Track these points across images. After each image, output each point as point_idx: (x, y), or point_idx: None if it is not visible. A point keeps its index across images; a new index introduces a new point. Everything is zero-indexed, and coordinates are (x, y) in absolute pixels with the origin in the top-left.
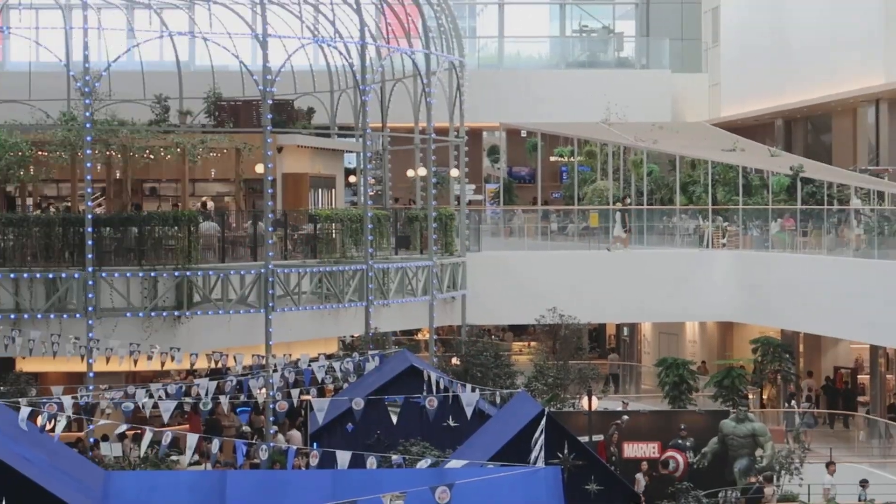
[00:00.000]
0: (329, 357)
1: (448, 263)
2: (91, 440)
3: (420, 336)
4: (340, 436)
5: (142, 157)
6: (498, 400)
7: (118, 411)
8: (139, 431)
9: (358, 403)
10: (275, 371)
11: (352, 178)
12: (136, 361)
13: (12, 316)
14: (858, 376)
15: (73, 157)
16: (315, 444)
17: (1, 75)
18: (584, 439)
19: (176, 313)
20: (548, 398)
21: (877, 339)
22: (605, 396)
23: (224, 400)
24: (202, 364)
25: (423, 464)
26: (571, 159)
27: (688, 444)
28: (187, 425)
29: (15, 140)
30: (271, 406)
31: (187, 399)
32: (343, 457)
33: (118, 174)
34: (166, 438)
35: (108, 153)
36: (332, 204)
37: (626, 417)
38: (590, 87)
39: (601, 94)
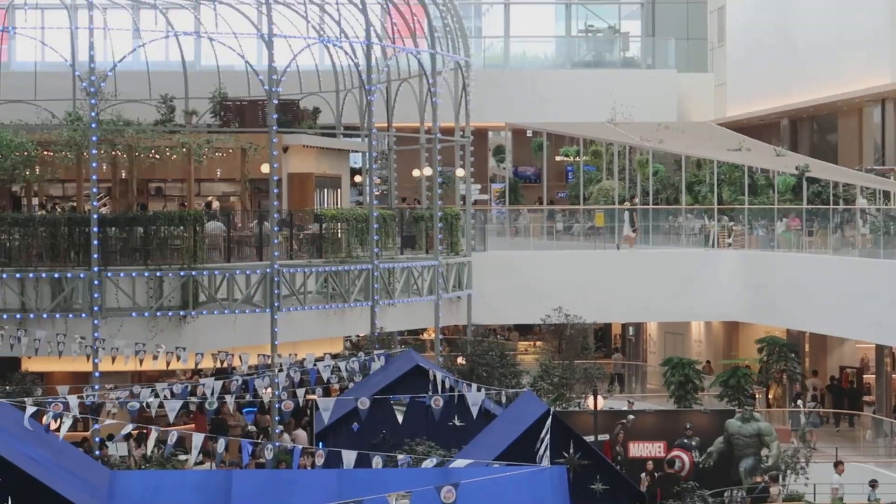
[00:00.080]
0: (335, 357)
1: (454, 263)
2: (97, 439)
3: (426, 336)
4: (346, 435)
5: (147, 157)
6: (503, 399)
7: (124, 411)
8: (144, 431)
9: (363, 403)
10: (280, 371)
11: (357, 178)
12: (141, 361)
13: (18, 316)
14: (864, 376)
15: (78, 157)
16: (321, 443)
17: (7, 75)
18: (589, 439)
19: (181, 313)
20: (553, 398)
21: (882, 338)
22: (610, 396)
23: (230, 399)
24: (208, 364)
25: (429, 463)
26: (577, 159)
27: (693, 443)
28: (193, 425)
29: (20, 140)
30: (277, 405)
31: (193, 399)
32: (349, 456)
33: (124, 174)
34: (172, 438)
35: (113, 153)
36: (337, 204)
37: (631, 417)
38: (595, 86)
39: (607, 93)
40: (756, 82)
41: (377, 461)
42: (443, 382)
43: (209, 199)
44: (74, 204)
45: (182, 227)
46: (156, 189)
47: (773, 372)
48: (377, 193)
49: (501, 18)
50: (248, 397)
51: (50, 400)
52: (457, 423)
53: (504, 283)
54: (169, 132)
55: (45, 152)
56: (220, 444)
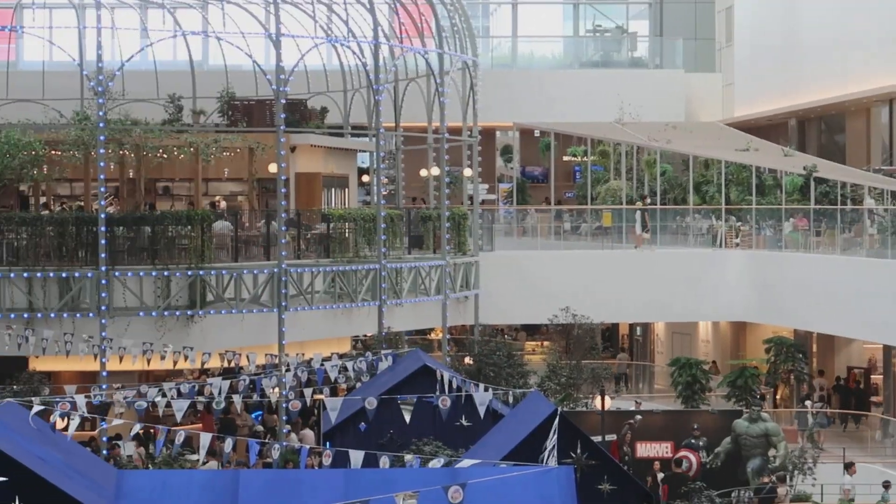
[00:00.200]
0: (342, 356)
1: (461, 263)
2: (104, 439)
3: (433, 335)
4: (353, 435)
5: (155, 157)
6: (511, 399)
7: (131, 410)
8: (151, 431)
9: (371, 403)
10: (288, 370)
11: (365, 178)
12: (149, 361)
13: (26, 315)
14: (872, 376)
15: (86, 156)
16: (328, 443)
17: (15, 75)
18: (596, 439)
19: (189, 312)
20: (561, 398)
21: (890, 338)
22: (617, 396)
23: (237, 399)
24: (215, 363)
25: (436, 463)
26: (585, 159)
27: (701, 443)
28: (200, 424)
29: (28, 139)
30: (284, 405)
31: (200, 398)
32: (356, 456)
33: (131, 173)
34: (179, 438)
35: (121, 152)
36: (345, 203)
37: (638, 417)
38: (603, 86)
39: (614, 93)
40: (764, 82)
41: (384, 461)
42: (450, 382)
43: (216, 198)
44: (82, 203)
45: (189, 227)
46: (163, 188)
47: (781, 372)
48: (385, 193)
49: (509, 18)
50: (255, 397)
51: (57, 399)
52: (464, 423)
53: (511, 282)
54: (177, 132)
55: (53, 152)
56: (228, 444)
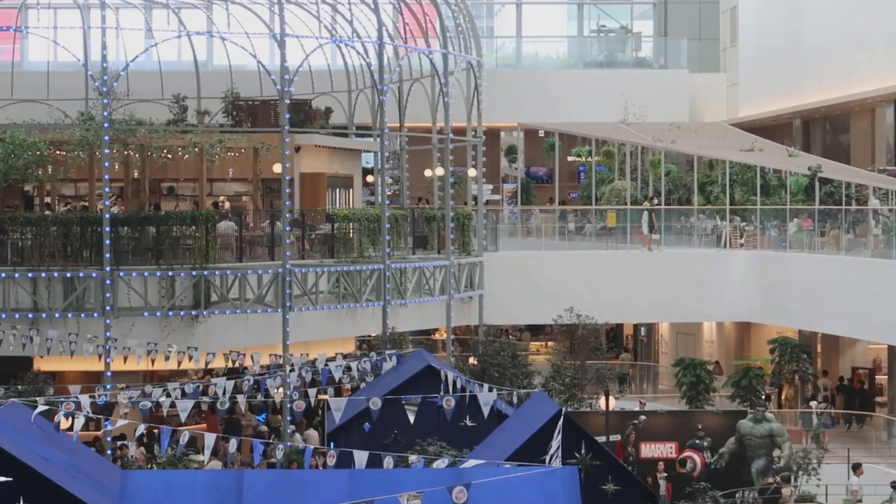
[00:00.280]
0: (346, 357)
1: (465, 263)
2: (108, 439)
3: (437, 336)
4: (357, 435)
5: (159, 157)
6: (515, 400)
7: (136, 410)
8: (154, 431)
9: (375, 403)
10: (292, 370)
11: (369, 178)
12: (153, 361)
13: (30, 315)
14: (876, 377)
15: (90, 156)
16: (332, 443)
17: (19, 75)
18: (601, 439)
19: (193, 313)
20: (565, 398)
21: (895, 339)
22: (622, 396)
23: (241, 399)
24: (219, 363)
25: (441, 463)
26: (589, 159)
27: (705, 444)
28: (204, 425)
29: (33, 139)
30: (288, 405)
31: (205, 398)
32: (360, 456)
33: (136, 174)
34: (184, 438)
35: (125, 153)
36: (349, 204)
37: (643, 417)
38: (607, 87)
39: (619, 94)
40: (768, 82)
41: (388, 461)
42: (454, 382)
43: (219, 198)
44: (86, 203)
45: (194, 227)
46: (168, 189)
47: (786, 373)
48: (389, 193)
49: (513, 18)
50: (259, 397)
51: (62, 399)
52: (468, 423)
53: (516, 283)
54: (181, 132)
55: (58, 152)
56: (232, 444)
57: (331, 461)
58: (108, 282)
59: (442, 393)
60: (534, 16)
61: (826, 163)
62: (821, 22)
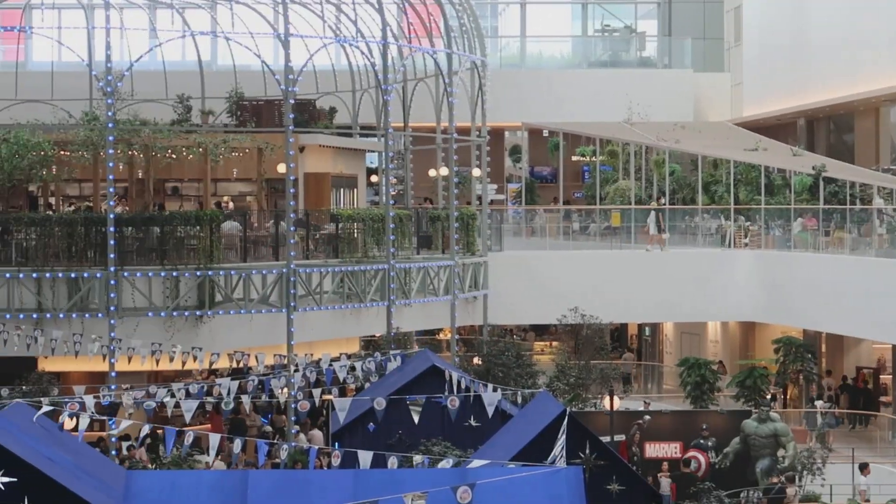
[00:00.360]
0: (350, 357)
1: (470, 263)
2: (112, 439)
3: (442, 336)
4: (362, 435)
5: (164, 157)
6: (519, 400)
7: (140, 411)
8: (158, 432)
9: (380, 403)
10: (296, 371)
11: (374, 178)
12: (157, 361)
13: (34, 315)
14: (881, 376)
15: (95, 156)
16: (336, 443)
17: (24, 75)
18: (605, 439)
19: (198, 313)
20: (569, 398)
21: None
22: (626, 396)
23: (246, 399)
24: (224, 364)
25: (445, 464)
26: (593, 159)
27: (710, 444)
28: (209, 425)
29: (37, 140)
30: (293, 406)
31: (209, 399)
32: (365, 456)
33: (140, 174)
34: (188, 438)
35: (130, 153)
36: (353, 204)
37: (647, 417)
38: (612, 86)
39: (623, 93)
40: (773, 82)
41: (393, 461)
42: (459, 382)
43: (223, 198)
44: (91, 203)
45: (198, 227)
46: (172, 189)
47: (790, 372)
48: (393, 193)
49: (518, 18)
50: (263, 397)
51: (66, 400)
52: (473, 423)
53: (520, 283)
54: (185, 132)
55: (62, 152)
56: (237, 445)
57: (335, 461)
58: (112, 282)
59: (446, 393)
60: (538, 15)
61: (830, 162)
62: (825, 21)
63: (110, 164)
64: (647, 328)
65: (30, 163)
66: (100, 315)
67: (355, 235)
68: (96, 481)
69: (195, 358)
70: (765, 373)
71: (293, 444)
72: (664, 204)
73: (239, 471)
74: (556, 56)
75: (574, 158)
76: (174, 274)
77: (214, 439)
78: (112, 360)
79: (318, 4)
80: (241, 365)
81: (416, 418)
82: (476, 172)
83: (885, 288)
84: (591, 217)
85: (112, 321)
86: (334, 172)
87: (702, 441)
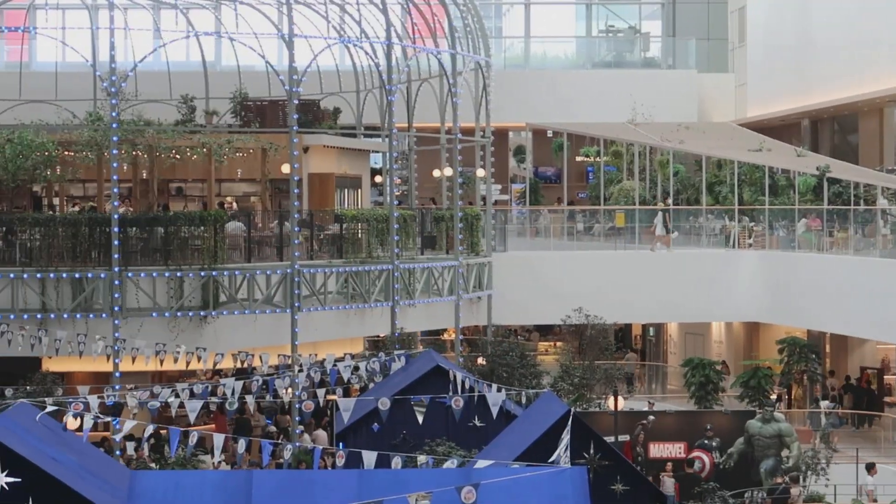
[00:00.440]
0: (354, 357)
1: (474, 263)
2: (116, 439)
3: (446, 336)
4: (366, 436)
5: (168, 157)
6: (524, 400)
7: (145, 411)
8: (162, 432)
9: (384, 403)
10: (300, 371)
11: (378, 178)
12: (162, 361)
13: (39, 316)
14: (885, 377)
15: (99, 157)
16: (341, 443)
17: (28, 75)
18: (609, 439)
19: (202, 313)
20: (574, 398)
21: None
22: (630, 397)
23: (250, 400)
24: (228, 364)
25: (449, 464)
26: (597, 159)
27: (714, 444)
28: (213, 425)
29: (41, 140)
30: (297, 406)
31: (213, 399)
32: (369, 457)
33: (144, 174)
34: (193, 439)
35: (134, 153)
36: (357, 204)
37: (651, 418)
38: (616, 87)
39: (627, 94)
40: (777, 82)
41: (397, 461)
42: (463, 383)
43: (226, 199)
44: (95, 204)
45: (203, 228)
46: (176, 189)
47: (794, 373)
48: (398, 194)
49: (522, 18)
50: (268, 398)
51: (70, 400)
52: (477, 423)
53: (524, 283)
54: (189, 132)
55: (66, 152)
56: (241, 445)
57: (339, 461)
58: (116, 282)
59: (450, 393)
60: (542, 16)
61: (834, 163)
62: (829, 22)
63: (114, 165)
64: (651, 328)
65: (34, 163)
66: (104, 315)
67: (359, 236)
68: (100, 481)
69: (199, 358)
70: (769, 373)
71: (297, 444)
72: (671, 204)
73: (243, 471)
74: (560, 56)
75: (578, 159)
76: (178, 274)
77: (219, 439)
78: (116, 361)
79: (323, 5)
80: (245, 365)
81: (420, 418)
82: (480, 173)
83: (889, 288)
84: (596, 217)
85: (116, 321)
86: (338, 173)
87: (706, 441)
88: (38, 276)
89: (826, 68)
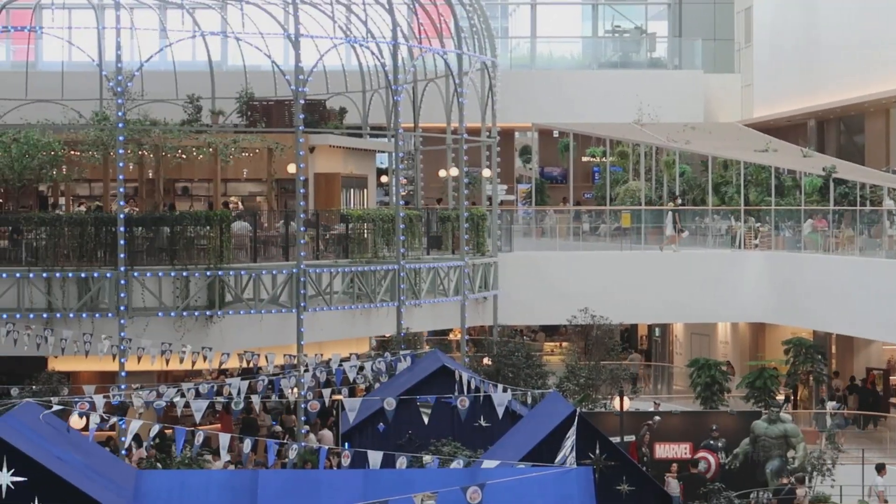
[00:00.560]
0: (360, 357)
1: (480, 263)
2: (122, 439)
3: (452, 336)
4: (372, 436)
5: (174, 157)
6: (529, 400)
7: (150, 410)
8: (167, 432)
9: (390, 403)
10: (306, 371)
11: (384, 178)
12: (167, 361)
13: (45, 315)
14: (891, 377)
15: (105, 156)
16: (346, 443)
17: (34, 75)
18: (615, 440)
19: (208, 313)
20: (579, 398)
21: None
22: (636, 397)
23: (256, 399)
24: (234, 364)
25: (455, 464)
26: (603, 160)
27: (719, 444)
28: (219, 425)
29: (48, 140)
30: (303, 406)
31: (219, 399)
32: (374, 457)
33: (150, 174)
34: (199, 438)
35: (140, 153)
36: (363, 204)
37: (657, 418)
38: (622, 87)
39: (633, 94)
40: (783, 83)
41: (402, 461)
42: (469, 383)
43: (231, 199)
44: (101, 203)
45: (209, 227)
46: (182, 189)
47: (800, 374)
48: (403, 194)
49: (528, 19)
50: (274, 397)
51: (76, 399)
52: (483, 423)
53: (530, 283)
54: (195, 132)
55: (72, 152)
56: (247, 445)
57: (345, 461)
58: (122, 282)
59: (456, 393)
60: (548, 16)
61: (840, 163)
62: (836, 22)
63: (120, 165)
64: (657, 329)
65: (40, 163)
66: (110, 315)
67: (365, 236)
68: (106, 481)
69: (205, 358)
70: (775, 374)
71: (303, 444)
72: (680, 204)
73: (249, 470)
74: (567, 57)
75: (584, 159)
76: (184, 274)
77: (225, 439)
78: (122, 360)
79: (329, 5)
80: (251, 365)
81: (425, 418)
82: (486, 173)
83: (895, 289)
84: (602, 218)
85: (122, 321)
86: (344, 173)
87: (712, 442)
88: (45, 275)
89: (832, 69)
